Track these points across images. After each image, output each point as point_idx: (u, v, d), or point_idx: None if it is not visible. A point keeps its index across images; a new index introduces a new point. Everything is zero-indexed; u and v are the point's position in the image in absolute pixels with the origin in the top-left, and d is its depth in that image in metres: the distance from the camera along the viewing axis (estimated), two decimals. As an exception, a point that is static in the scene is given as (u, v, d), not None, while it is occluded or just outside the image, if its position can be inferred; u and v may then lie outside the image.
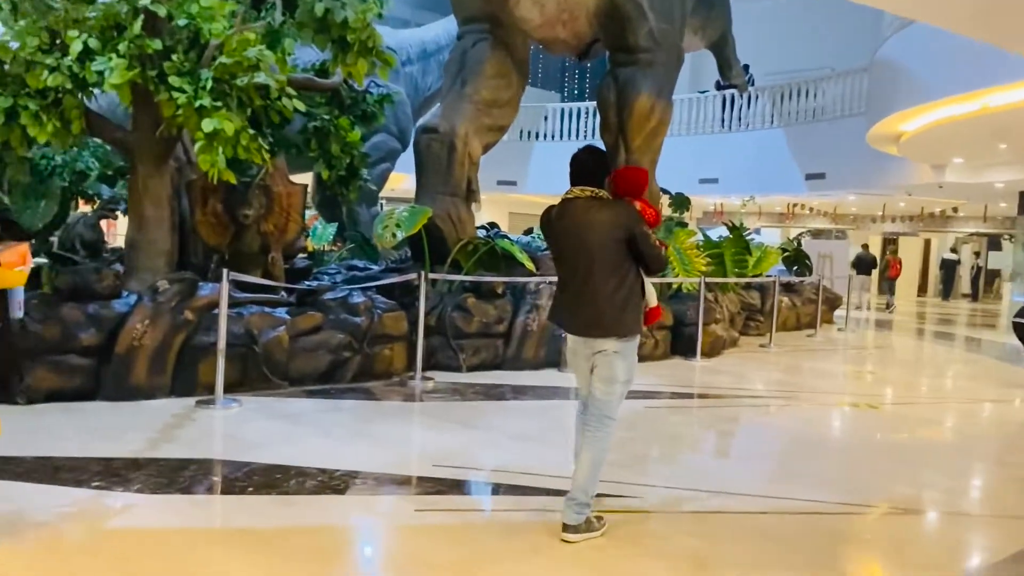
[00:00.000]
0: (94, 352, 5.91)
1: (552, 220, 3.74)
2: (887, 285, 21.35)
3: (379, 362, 7.25)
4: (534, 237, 14.51)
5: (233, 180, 6.71)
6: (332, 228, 16.26)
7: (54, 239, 8.86)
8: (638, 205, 3.67)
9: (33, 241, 8.34)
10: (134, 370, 5.95)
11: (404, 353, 7.49)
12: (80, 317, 5.91)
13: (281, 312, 6.87)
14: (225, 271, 6.06)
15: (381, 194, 17.94)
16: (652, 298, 3.80)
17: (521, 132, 23.54)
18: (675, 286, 10.36)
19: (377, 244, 8.60)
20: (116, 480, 4.16)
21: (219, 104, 6.42)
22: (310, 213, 18.11)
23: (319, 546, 3.37)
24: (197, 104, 6.36)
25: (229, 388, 6.22)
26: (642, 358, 9.09)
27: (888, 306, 20.49)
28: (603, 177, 3.70)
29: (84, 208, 9.89)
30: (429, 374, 7.54)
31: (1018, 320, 11.50)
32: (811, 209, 25.45)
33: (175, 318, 6.16)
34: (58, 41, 6.44)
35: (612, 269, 3.58)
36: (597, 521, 3.70)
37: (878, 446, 5.82)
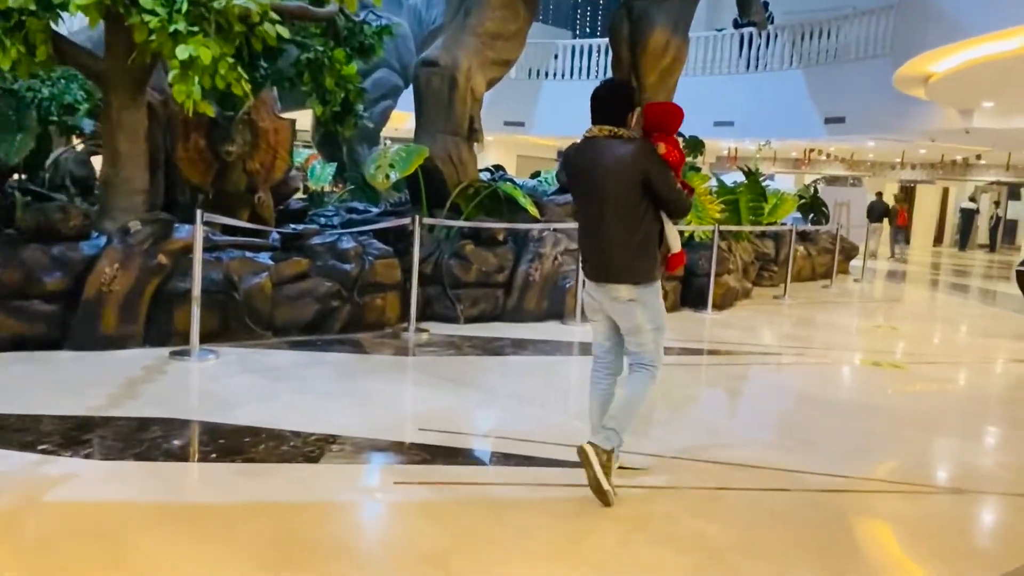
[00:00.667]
0: (60, 297, 5.49)
1: (571, 160, 3.54)
2: (895, 233, 21.19)
3: (370, 312, 6.82)
4: (541, 181, 13.96)
5: (211, 112, 6.21)
6: (331, 168, 15.74)
7: (41, 175, 8.42)
8: (662, 146, 3.37)
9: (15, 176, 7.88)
10: (103, 317, 5.54)
11: (398, 303, 7.05)
12: (44, 260, 5.47)
13: (264, 257, 6.42)
14: (199, 212, 5.59)
15: (384, 133, 17.37)
16: (675, 243, 3.59)
17: (530, 71, 22.72)
18: (686, 234, 9.85)
19: (369, 186, 8.09)
20: (66, 443, 3.76)
21: (195, 29, 5.88)
22: (308, 152, 17.60)
23: (278, 530, 2.97)
24: (171, 29, 5.82)
25: (207, 338, 5.81)
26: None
27: (893, 254, 20.36)
28: (625, 114, 3.44)
29: (77, 143, 9.38)
30: (424, 325, 7.11)
31: (1021, 269, 11.00)
32: (828, 155, 24.68)
33: (148, 262, 5.71)
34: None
35: (626, 212, 3.39)
36: (611, 459, 3.45)
37: (902, 411, 5.38)
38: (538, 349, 6.69)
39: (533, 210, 8.30)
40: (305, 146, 20.09)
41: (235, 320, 6.07)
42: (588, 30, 36.92)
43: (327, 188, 15.75)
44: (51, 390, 4.61)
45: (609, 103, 3.43)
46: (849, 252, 14.90)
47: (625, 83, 3.59)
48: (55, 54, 6.59)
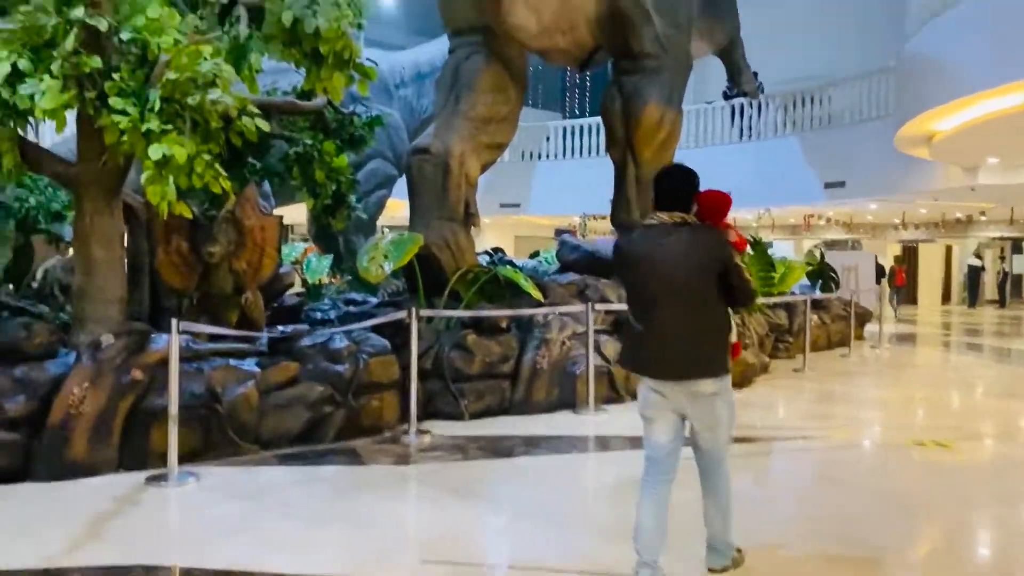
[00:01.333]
0: (23, 424, 4.96)
1: (631, 248, 3.44)
2: (894, 293, 21.30)
3: (367, 415, 6.29)
4: (541, 261, 13.60)
5: (188, 213, 5.82)
6: (327, 260, 15.46)
7: (30, 285, 8.05)
8: (732, 233, 3.40)
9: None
10: (72, 443, 5.01)
11: (396, 402, 6.52)
12: (6, 383, 4.98)
13: (250, 364, 5.92)
14: (174, 321, 5.12)
15: (380, 222, 17.12)
16: (733, 332, 3.53)
17: (523, 153, 22.72)
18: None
19: (365, 279, 7.67)
20: (9, 606, 3.20)
21: (169, 127, 5.54)
22: (305, 245, 17.32)
23: None
24: (144, 128, 5.48)
25: (188, 458, 5.28)
26: (666, 393, 8.13)
27: (896, 315, 20.48)
28: (691, 200, 3.39)
29: (64, 251, 9.00)
30: (426, 425, 6.57)
31: None
32: (828, 219, 24.45)
33: (121, 378, 5.22)
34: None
35: (704, 303, 3.34)
36: (739, 554, 3.66)
37: (967, 502, 4.81)
38: (552, 447, 6.13)
39: (536, 293, 7.86)
40: (302, 239, 19.84)
41: (219, 435, 5.54)
42: (577, 112, 37.30)
43: (324, 280, 15.41)
44: (3, 534, 4.06)
45: (679, 190, 3.36)
46: (863, 317, 14.42)
47: (690, 170, 3.48)
48: (23, 161, 6.26)
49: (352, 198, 9.70)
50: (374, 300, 9.65)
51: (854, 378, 10.07)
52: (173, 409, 5.02)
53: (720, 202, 3.43)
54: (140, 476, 5.07)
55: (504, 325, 7.48)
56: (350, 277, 12.52)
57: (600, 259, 10.13)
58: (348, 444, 6.04)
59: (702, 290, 3.31)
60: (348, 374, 6.18)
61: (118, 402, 5.18)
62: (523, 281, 7.77)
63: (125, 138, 5.52)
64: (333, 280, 15.01)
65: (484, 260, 11.39)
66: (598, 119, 22.11)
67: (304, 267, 15.95)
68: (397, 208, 18.27)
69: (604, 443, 6.34)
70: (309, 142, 9.36)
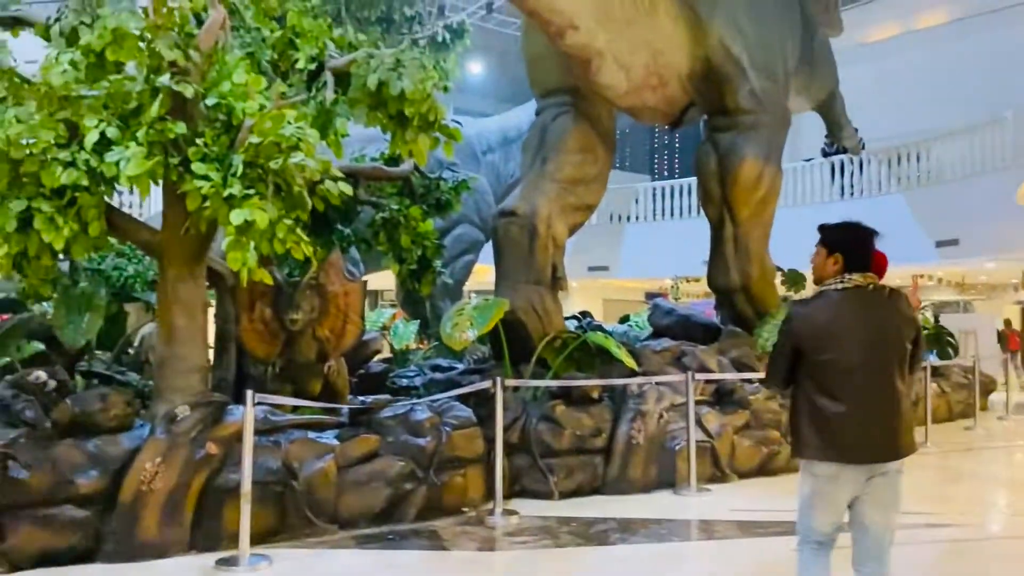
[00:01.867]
0: (95, 501, 4.76)
1: (819, 316, 3.19)
2: (1010, 358, 19.75)
3: (450, 493, 5.89)
4: (632, 325, 13.09)
5: (268, 280, 5.65)
6: (414, 326, 15.36)
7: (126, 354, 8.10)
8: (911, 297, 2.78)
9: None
10: (142, 522, 4.77)
11: (481, 479, 6.11)
12: (78, 457, 4.80)
13: (329, 436, 5.63)
14: (249, 393, 4.88)
15: (467, 287, 17.00)
16: None
17: (611, 215, 22.40)
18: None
19: (448, 346, 7.36)
20: None
21: (251, 192, 5.41)
22: (392, 311, 17.28)
23: None
24: (226, 193, 5.36)
25: (261, 538, 4.98)
26: (773, 471, 7.48)
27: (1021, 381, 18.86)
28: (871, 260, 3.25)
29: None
30: (513, 504, 6.12)
31: None
32: (939, 280, 23.10)
33: (194, 453, 4.99)
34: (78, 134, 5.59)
35: (902, 375, 3.16)
36: None
37: None
38: (651, 534, 5.58)
39: (629, 361, 7.38)
40: (391, 305, 19.87)
41: (294, 514, 5.23)
42: (666, 173, 36.92)
43: (411, 346, 15.27)
44: (64, 623, 3.80)
45: (868, 249, 3.21)
46: (987, 386, 13.29)
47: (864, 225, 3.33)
48: (109, 229, 6.25)
49: (438, 263, 9.53)
50: (460, 366, 9.35)
51: (981, 454, 9.13)
52: (246, 487, 4.74)
53: (885, 267, 3.37)
54: (211, 558, 4.78)
55: (595, 395, 7.02)
56: (436, 343, 12.32)
57: (697, 323, 9.61)
58: (430, 525, 5.64)
59: (902, 361, 3.15)
60: (430, 447, 5.82)
61: (191, 478, 4.94)
62: (615, 348, 7.31)
63: (208, 204, 5.41)
64: (420, 346, 14.85)
65: (572, 325, 11.00)
66: (689, 180, 21.72)
67: (391, 333, 15.87)
68: (484, 273, 18.11)
69: (709, 529, 5.75)
70: (395, 207, 9.26)
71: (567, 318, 12.45)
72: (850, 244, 3.22)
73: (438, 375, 8.92)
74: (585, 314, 13.08)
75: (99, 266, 7.87)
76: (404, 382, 8.96)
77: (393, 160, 9.65)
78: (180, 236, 6.00)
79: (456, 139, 7.13)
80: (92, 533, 4.74)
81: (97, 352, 7.90)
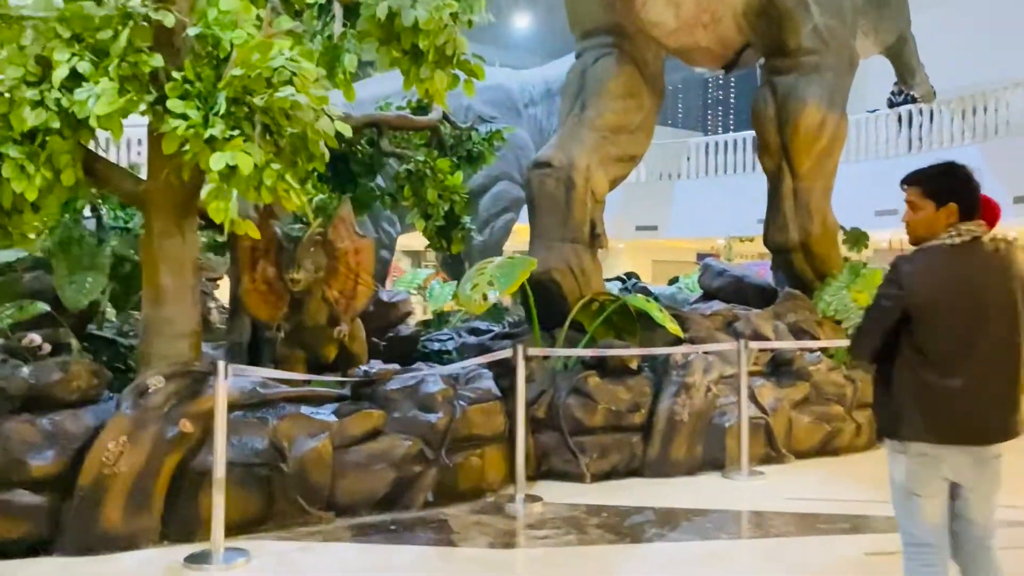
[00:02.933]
0: (51, 485, 4.16)
1: (931, 275, 2.73)
2: None
3: (465, 476, 5.18)
4: (681, 288, 12.21)
5: (254, 233, 4.95)
6: (451, 287, 14.75)
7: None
8: None
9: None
10: (104, 509, 4.15)
11: (503, 460, 5.40)
12: (32, 435, 4.19)
13: (327, 412, 4.96)
14: (221, 364, 4.21)
15: (509, 247, 16.28)
16: None
17: (661, 173, 21.37)
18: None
19: (466, 310, 6.64)
20: None
21: (235, 133, 4.70)
22: (427, 272, 16.65)
23: None
24: (207, 135, 4.66)
25: (246, 528, 4.36)
26: (835, 451, 6.64)
27: None
28: None
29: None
30: (538, 489, 5.40)
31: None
32: (1013, 239, 21.62)
33: (166, 431, 4.35)
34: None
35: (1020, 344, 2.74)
36: None
37: None
38: (695, 528, 4.80)
39: (674, 327, 6.55)
40: (433, 266, 19.24)
41: (284, 500, 4.58)
42: (720, 131, 35.56)
43: (450, 308, 14.64)
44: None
45: (979, 192, 2.80)
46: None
47: None
48: (88, 177, 5.62)
49: (467, 219, 8.82)
50: (496, 329, 8.70)
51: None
52: (219, 472, 4.09)
53: (998, 210, 2.96)
54: (185, 551, 4.16)
55: (634, 366, 6.23)
56: None
57: (751, 285, 8.75)
58: (440, 512, 4.95)
59: (1021, 328, 2.73)
60: (442, 424, 5.11)
61: (162, 460, 4.30)
62: (657, 312, 6.48)
63: (188, 147, 4.73)
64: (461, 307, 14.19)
65: (615, 287, 10.21)
66: (744, 134, 20.56)
67: (428, 294, 15.26)
68: (526, 233, 17.35)
69: (763, 524, 4.95)
70: (422, 159, 8.53)
71: (610, 280, 11.66)
72: (961, 189, 2.77)
73: (472, 339, 8.26)
74: (630, 275, 12.25)
75: (126, 224, 7.30)
76: (436, 346, 8.33)
77: (421, 109, 8.92)
78: (165, 185, 5.34)
79: (478, 77, 6.32)
80: (48, 522, 4.13)
81: (111, 314, 7.37)
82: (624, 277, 11.84)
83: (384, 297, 8.43)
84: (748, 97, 9.56)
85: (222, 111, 4.76)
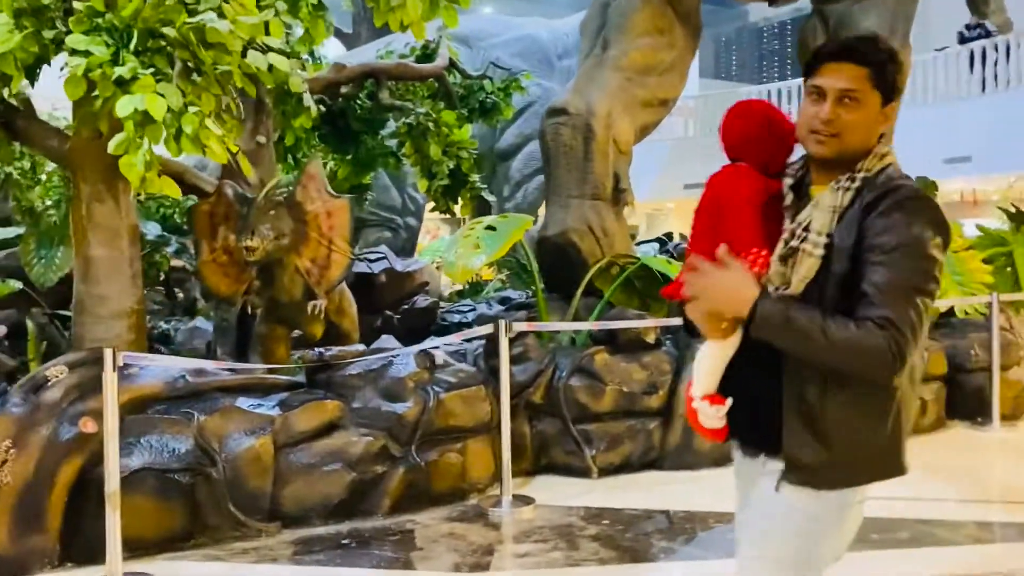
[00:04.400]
0: (-76, 499, 3.48)
1: None
2: None
3: (440, 476, 4.34)
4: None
5: (175, 193, 4.17)
6: (441, 244, 14.00)
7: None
8: None
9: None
10: (-14, 528, 3.47)
11: (489, 454, 4.55)
12: (-99, 441, 3.51)
13: (269, 404, 4.17)
14: (109, 352, 3.43)
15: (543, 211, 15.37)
16: None
17: (712, 127, 20.10)
18: (941, 310, 6.66)
19: (448, 278, 5.78)
20: None
21: (147, 72, 3.91)
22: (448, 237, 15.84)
23: None
24: (115, 75, 3.89)
25: (167, 545, 3.62)
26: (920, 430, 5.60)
27: None
28: None
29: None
30: (533, 487, 4.56)
31: None
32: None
33: (61, 433, 3.62)
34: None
35: None
36: None
37: None
38: (715, 541, 3.84)
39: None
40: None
41: (214, 512, 3.82)
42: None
43: (487, 276, 13.88)
44: None
45: None
46: None
47: None
48: (9, 135, 4.91)
49: (475, 177, 7.98)
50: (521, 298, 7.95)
51: None
52: (112, 484, 3.34)
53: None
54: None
55: (651, 339, 5.30)
56: (507, 271, 10.90)
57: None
58: (410, 519, 4.13)
59: None
60: (411, 415, 4.28)
61: (57, 468, 3.58)
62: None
63: (97, 92, 3.96)
64: (501, 277, 13.40)
65: (653, 250, 9.26)
66: (798, 82, 19.12)
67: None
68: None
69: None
70: (423, 111, 7.68)
71: (648, 241, 10.69)
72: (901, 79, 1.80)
73: (492, 310, 7.49)
74: (669, 236, 11.28)
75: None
76: (456, 318, 7.60)
77: (426, 57, 8.06)
78: (91, 142, 4.59)
79: (462, 5, 5.44)
80: (-80, 543, 3.47)
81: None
82: (663, 238, 10.89)
83: (399, 267, 7.71)
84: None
85: (132, 46, 3.98)
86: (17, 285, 6.10)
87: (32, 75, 4.52)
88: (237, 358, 5.51)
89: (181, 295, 8.22)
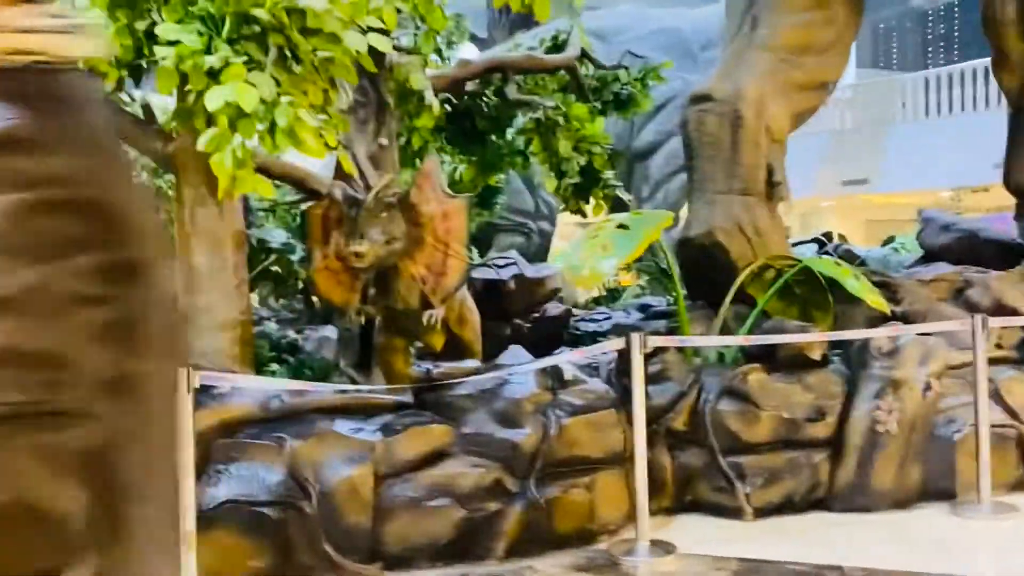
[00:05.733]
0: None
1: None
2: None
3: (564, 514, 3.74)
4: (896, 249, 10.00)
5: (267, 192, 3.81)
6: (572, 247, 13.38)
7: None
8: None
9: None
10: None
11: (621, 490, 3.92)
12: None
13: (371, 428, 3.70)
14: (184, 372, 3.05)
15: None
16: None
17: (872, 119, 18.63)
18: None
19: (574, 285, 5.18)
20: None
21: (238, 61, 3.58)
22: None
23: None
24: (207, 66, 3.58)
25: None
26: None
27: None
28: None
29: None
30: (674, 530, 3.88)
31: None
32: None
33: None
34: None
35: None
36: None
37: None
38: None
39: (876, 300, 4.75)
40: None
41: (307, 551, 3.39)
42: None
43: (627, 282, 13.25)
44: None
45: None
46: None
47: None
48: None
49: (608, 175, 7.40)
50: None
51: None
52: (187, 523, 2.94)
53: None
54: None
55: (818, 356, 4.49)
56: (647, 276, 10.32)
57: (989, 241, 6.64)
58: (528, 565, 3.56)
59: None
60: (530, 444, 3.71)
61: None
62: (852, 279, 4.69)
63: (190, 85, 3.67)
64: (640, 283, 12.77)
65: (810, 251, 8.35)
66: (971, 64, 17.28)
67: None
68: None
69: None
70: (552, 105, 7.18)
71: (804, 242, 9.76)
72: None
73: (629, 318, 6.93)
74: (828, 236, 10.27)
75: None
76: (591, 327, 7.09)
77: (556, 49, 7.58)
78: (194, 142, 4.32)
79: (589, -19, 4.85)
80: None
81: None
82: (822, 239, 9.91)
83: (529, 273, 7.26)
84: (976, 30, 7.48)
85: (226, 32, 3.65)
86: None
87: (136, 73, 4.31)
88: (359, 370, 5.20)
89: (319, 303, 8.08)
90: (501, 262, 7.41)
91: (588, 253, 4.45)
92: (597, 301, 9.61)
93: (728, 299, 5.23)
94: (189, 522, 2.95)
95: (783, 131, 6.48)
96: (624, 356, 4.12)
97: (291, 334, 6.91)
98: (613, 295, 9.93)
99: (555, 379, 4.11)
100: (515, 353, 4.65)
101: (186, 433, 2.97)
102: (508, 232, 12.42)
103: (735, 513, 4.11)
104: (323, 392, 3.80)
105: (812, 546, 3.74)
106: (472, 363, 4.26)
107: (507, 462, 3.69)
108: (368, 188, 5.16)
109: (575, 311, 7.84)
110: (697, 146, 6.35)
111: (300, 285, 7.76)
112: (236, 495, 3.29)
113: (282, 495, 3.38)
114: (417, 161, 7.08)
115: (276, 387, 3.66)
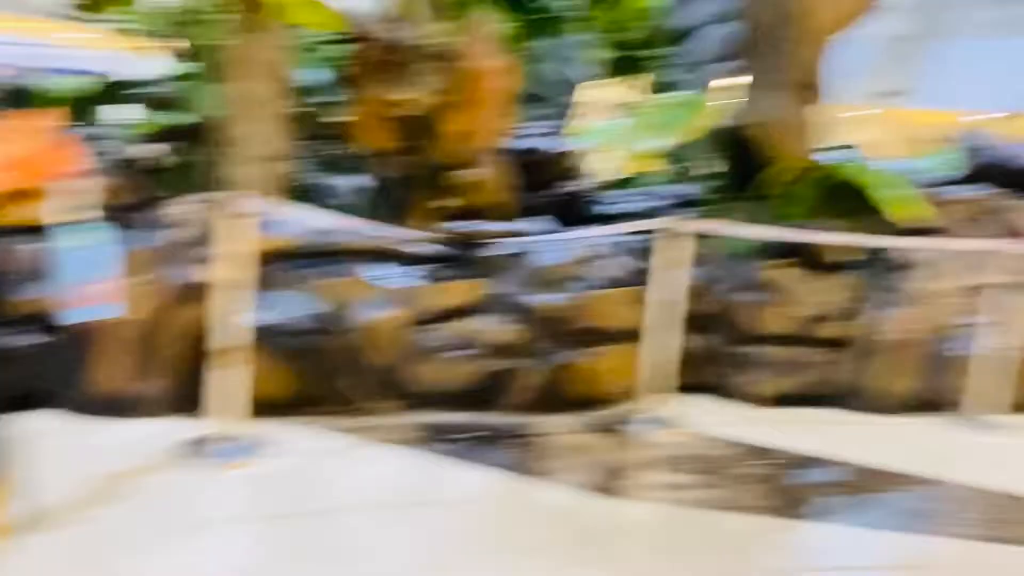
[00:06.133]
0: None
1: None
2: None
3: (578, 379, 3.90)
4: (929, 165, 9.79)
5: (328, 24, 3.76)
6: (605, 125, 13.11)
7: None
8: None
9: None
10: (96, 368, 3.30)
11: (635, 364, 4.06)
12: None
13: (405, 275, 3.79)
14: (242, 197, 3.09)
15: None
16: None
17: (914, 30, 17.98)
18: None
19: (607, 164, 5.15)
20: None
21: None
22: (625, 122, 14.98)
23: None
24: None
25: (289, 408, 3.41)
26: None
27: None
28: None
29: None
30: (682, 406, 4.03)
31: None
32: None
33: (172, 279, 3.37)
34: None
35: None
36: None
37: None
38: (906, 519, 3.25)
39: (900, 209, 4.74)
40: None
41: (338, 379, 3.54)
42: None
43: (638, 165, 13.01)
44: None
45: None
46: None
47: None
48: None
49: (651, 53, 7.22)
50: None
51: None
52: (242, 336, 3.06)
53: None
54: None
55: (845, 259, 4.54)
56: (676, 163, 10.09)
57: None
58: (535, 420, 3.74)
59: None
60: (553, 310, 3.81)
61: (178, 312, 3.36)
62: (880, 186, 4.67)
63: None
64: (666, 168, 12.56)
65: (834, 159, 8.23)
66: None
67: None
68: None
69: (1001, 514, 3.32)
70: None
71: (827, 148, 9.59)
72: None
73: (656, 203, 6.85)
74: (848, 147, 10.09)
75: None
76: (618, 207, 7.04)
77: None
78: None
79: None
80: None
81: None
82: (845, 148, 9.72)
83: (549, 147, 7.13)
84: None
85: None
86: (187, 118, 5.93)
87: None
88: (392, 222, 5.24)
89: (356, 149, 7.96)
90: (539, 130, 7.30)
91: (630, 132, 4.41)
92: (624, 182, 9.52)
93: (760, 194, 5.22)
94: (246, 337, 3.08)
95: (825, 29, 6.26)
96: (653, 236, 4.17)
97: (325, 179, 6.88)
98: (631, 179, 9.83)
99: (585, 252, 4.17)
100: (547, 222, 4.70)
101: (246, 254, 3.06)
102: (531, 104, 12.14)
103: (746, 398, 4.26)
104: (361, 234, 3.86)
105: (806, 437, 3.89)
106: (505, 226, 4.30)
107: (529, 324, 3.80)
108: (414, 35, 5.05)
109: (595, 191, 7.77)
110: (747, 35, 6.16)
111: (338, 130, 7.64)
112: (271, 322, 3.41)
113: (317, 326, 3.51)
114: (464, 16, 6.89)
115: (319, 222, 3.72)
